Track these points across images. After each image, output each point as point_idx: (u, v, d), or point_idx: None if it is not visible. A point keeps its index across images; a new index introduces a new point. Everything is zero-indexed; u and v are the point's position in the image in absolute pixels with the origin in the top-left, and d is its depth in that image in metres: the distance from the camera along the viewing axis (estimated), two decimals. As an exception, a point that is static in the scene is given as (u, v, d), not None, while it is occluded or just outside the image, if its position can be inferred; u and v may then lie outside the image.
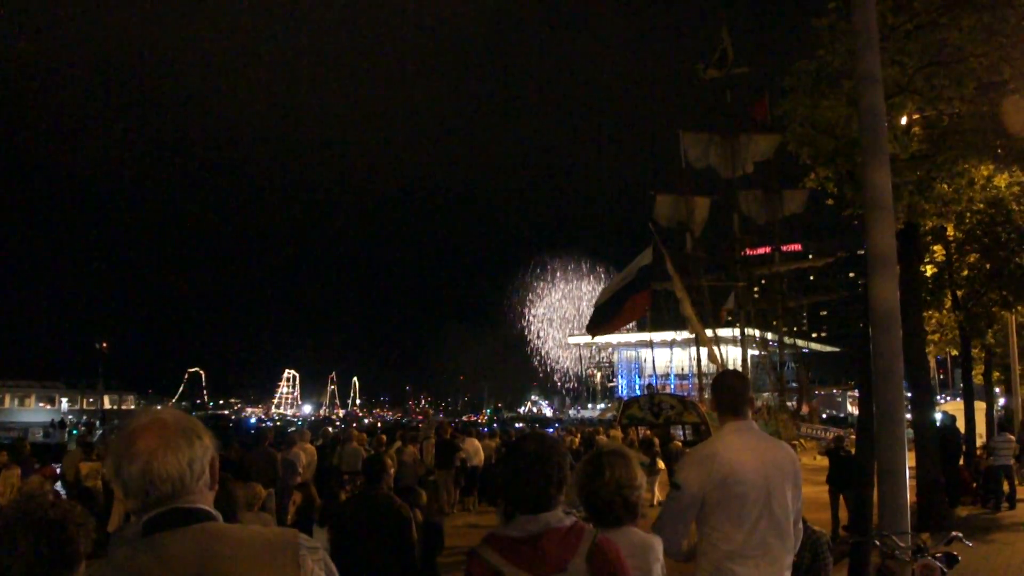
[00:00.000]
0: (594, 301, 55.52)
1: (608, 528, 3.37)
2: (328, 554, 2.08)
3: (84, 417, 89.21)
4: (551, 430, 42.94)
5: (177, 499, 1.99)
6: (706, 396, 56.89)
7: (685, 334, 59.79)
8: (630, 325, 61.52)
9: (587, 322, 56.23)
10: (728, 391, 4.40)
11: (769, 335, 58.91)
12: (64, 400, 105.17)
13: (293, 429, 42.21)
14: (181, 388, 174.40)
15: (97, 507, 14.33)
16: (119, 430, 2.09)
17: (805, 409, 55.50)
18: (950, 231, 20.52)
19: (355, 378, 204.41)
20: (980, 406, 28.06)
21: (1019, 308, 23.22)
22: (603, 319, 45.38)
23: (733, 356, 62.86)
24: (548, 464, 2.86)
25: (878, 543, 6.69)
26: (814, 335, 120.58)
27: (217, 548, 1.93)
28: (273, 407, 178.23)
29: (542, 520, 2.78)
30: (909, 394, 15.33)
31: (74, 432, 57.95)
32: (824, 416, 69.79)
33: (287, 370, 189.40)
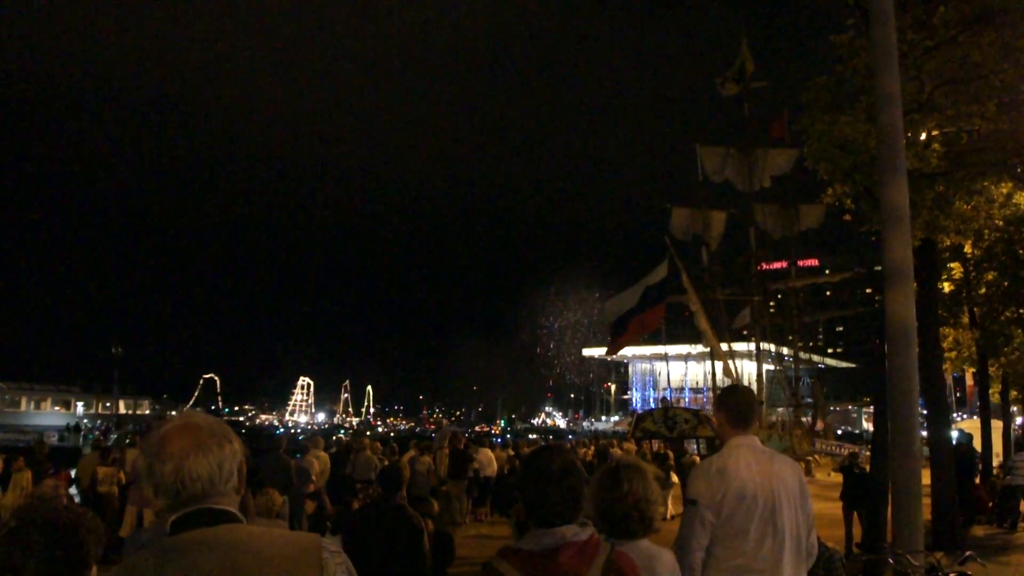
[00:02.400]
0: (605, 313, 55.72)
1: (621, 539, 3.41)
2: None
3: (99, 421, 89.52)
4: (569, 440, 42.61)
5: (206, 500, 2.06)
6: (718, 410, 56.69)
7: (700, 348, 59.74)
8: (644, 338, 61.45)
9: (607, 339, 56.87)
10: (737, 406, 4.47)
11: (784, 350, 58.64)
12: (79, 404, 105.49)
13: (304, 436, 42.04)
14: (196, 393, 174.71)
15: (111, 512, 14.39)
16: (152, 432, 2.16)
17: (820, 425, 55.25)
18: (968, 248, 20.41)
19: (369, 387, 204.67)
20: (997, 425, 27.87)
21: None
22: (617, 333, 45.40)
23: (748, 371, 62.52)
24: (571, 478, 2.87)
25: (892, 561, 6.66)
26: (830, 350, 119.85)
27: (242, 549, 1.98)
28: (287, 414, 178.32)
29: (558, 534, 2.76)
30: (925, 411, 15.24)
31: (90, 437, 58.16)
32: (839, 432, 69.52)
33: (302, 377, 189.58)
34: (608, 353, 64.75)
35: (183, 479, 2.04)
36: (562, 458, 2.94)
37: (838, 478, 19.46)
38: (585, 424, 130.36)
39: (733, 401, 4.51)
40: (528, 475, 2.94)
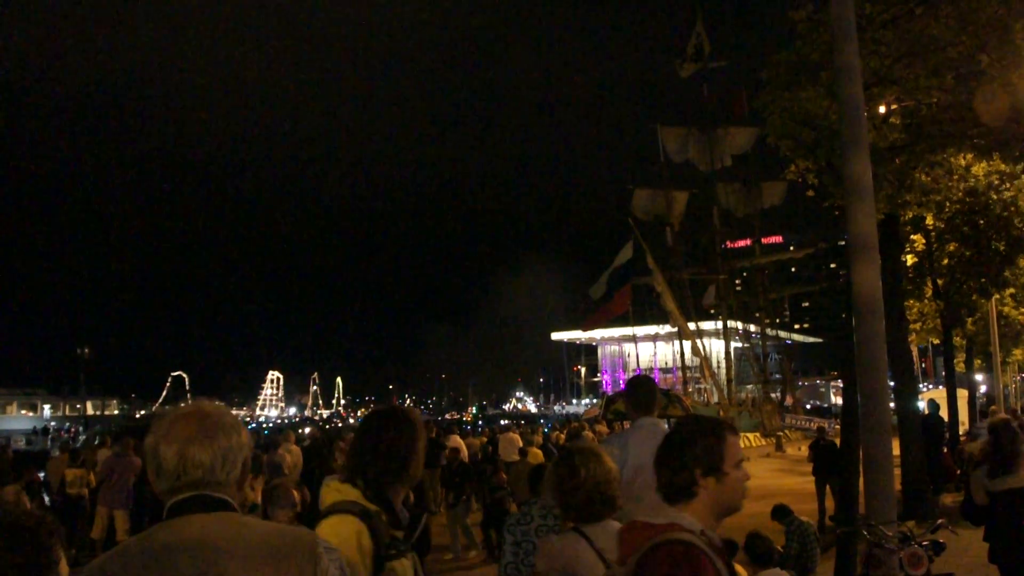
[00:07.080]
0: (592, 296, 56.14)
1: (588, 523, 3.54)
2: None
3: (67, 423, 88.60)
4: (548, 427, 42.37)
5: (206, 487, 2.08)
6: (690, 390, 57.15)
7: (668, 328, 59.99)
8: (611, 319, 61.80)
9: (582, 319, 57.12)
10: (644, 392, 5.31)
11: (752, 327, 59.09)
12: (46, 407, 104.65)
13: (269, 431, 41.66)
14: (164, 392, 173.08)
15: (82, 514, 14.21)
16: (163, 415, 2.18)
17: (789, 400, 55.81)
18: (929, 221, 20.58)
19: (339, 378, 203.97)
20: (963, 393, 28.24)
21: (999, 295, 23.41)
22: (593, 311, 45.75)
23: (716, 349, 62.95)
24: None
25: (865, 532, 6.71)
26: (796, 326, 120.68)
27: (237, 539, 2.00)
28: (258, 409, 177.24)
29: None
30: (892, 383, 15.39)
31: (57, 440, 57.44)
32: (808, 407, 70.19)
33: (271, 372, 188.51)
34: (584, 329, 64.78)
35: (185, 464, 2.06)
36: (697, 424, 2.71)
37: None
38: (556, 408, 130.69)
39: (639, 391, 5.33)
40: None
